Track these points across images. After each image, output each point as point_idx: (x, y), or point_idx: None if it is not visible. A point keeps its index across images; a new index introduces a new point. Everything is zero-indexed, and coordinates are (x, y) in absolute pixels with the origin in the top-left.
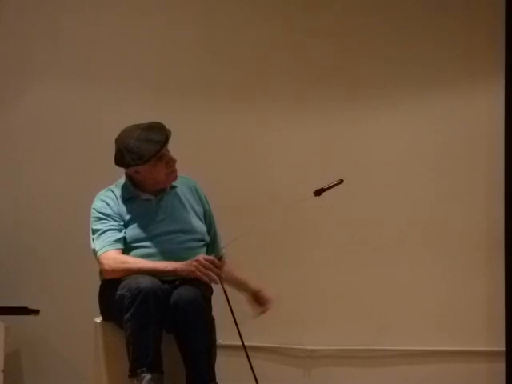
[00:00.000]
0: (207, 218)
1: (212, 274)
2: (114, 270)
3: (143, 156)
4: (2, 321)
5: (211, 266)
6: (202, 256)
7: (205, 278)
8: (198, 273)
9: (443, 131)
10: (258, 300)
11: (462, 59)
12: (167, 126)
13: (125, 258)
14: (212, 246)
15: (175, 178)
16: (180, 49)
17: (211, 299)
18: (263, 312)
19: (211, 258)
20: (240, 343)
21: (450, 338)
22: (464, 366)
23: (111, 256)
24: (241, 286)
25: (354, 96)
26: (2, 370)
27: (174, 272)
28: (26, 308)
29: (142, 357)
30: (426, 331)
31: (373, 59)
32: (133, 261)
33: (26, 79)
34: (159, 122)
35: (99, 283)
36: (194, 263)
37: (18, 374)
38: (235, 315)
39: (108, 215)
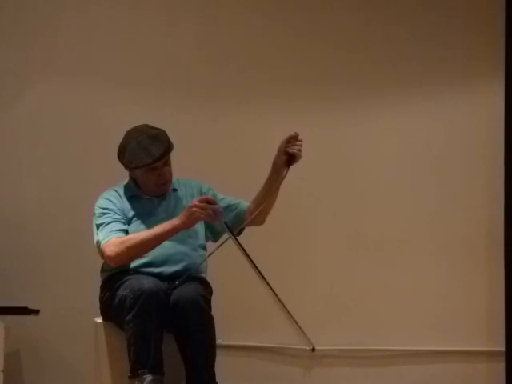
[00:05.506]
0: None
1: (211, 212)
2: (118, 254)
3: (133, 162)
4: (2, 321)
5: (208, 206)
6: (194, 200)
7: (208, 218)
8: (201, 216)
9: (443, 131)
10: (288, 151)
11: (462, 59)
12: (167, 126)
13: (123, 238)
14: (235, 210)
15: (166, 190)
16: (180, 48)
17: (211, 299)
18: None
19: (203, 197)
20: (240, 343)
21: (450, 338)
22: (464, 366)
23: (112, 242)
24: (270, 181)
25: (353, 96)
26: (2, 370)
27: (174, 230)
28: (26, 308)
29: (143, 358)
30: (425, 331)
31: (373, 59)
32: (132, 236)
33: (26, 78)
34: (165, 135)
35: (99, 283)
36: (193, 209)
37: (18, 374)
38: (235, 315)
39: (111, 210)
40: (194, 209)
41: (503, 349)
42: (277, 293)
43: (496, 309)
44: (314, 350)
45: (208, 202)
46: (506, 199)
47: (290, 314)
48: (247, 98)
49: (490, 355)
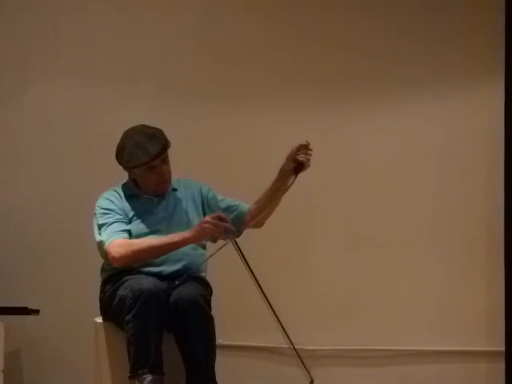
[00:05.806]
0: (211, 200)
1: (223, 229)
2: (123, 256)
3: (131, 161)
4: (2, 321)
5: (220, 223)
6: (207, 216)
7: (220, 235)
8: (213, 232)
9: (443, 131)
10: (297, 159)
11: (461, 59)
12: (167, 126)
13: (130, 241)
14: (235, 212)
15: (165, 189)
16: (180, 49)
17: (211, 299)
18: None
19: (216, 214)
20: (240, 343)
21: (450, 338)
22: (464, 366)
23: (117, 243)
24: (275, 186)
25: (354, 96)
26: (2, 370)
27: (183, 242)
28: (25, 308)
29: (143, 358)
30: (425, 331)
31: (373, 59)
32: (139, 241)
33: (26, 78)
34: (162, 134)
35: (99, 283)
36: (205, 224)
37: (18, 374)
38: (235, 315)
39: (113, 210)
40: (207, 225)
41: (503, 349)
42: (277, 293)
43: (496, 309)
44: (312, 382)
45: (220, 219)
46: (505, 199)
47: (284, 331)
48: (247, 98)
49: (490, 355)
